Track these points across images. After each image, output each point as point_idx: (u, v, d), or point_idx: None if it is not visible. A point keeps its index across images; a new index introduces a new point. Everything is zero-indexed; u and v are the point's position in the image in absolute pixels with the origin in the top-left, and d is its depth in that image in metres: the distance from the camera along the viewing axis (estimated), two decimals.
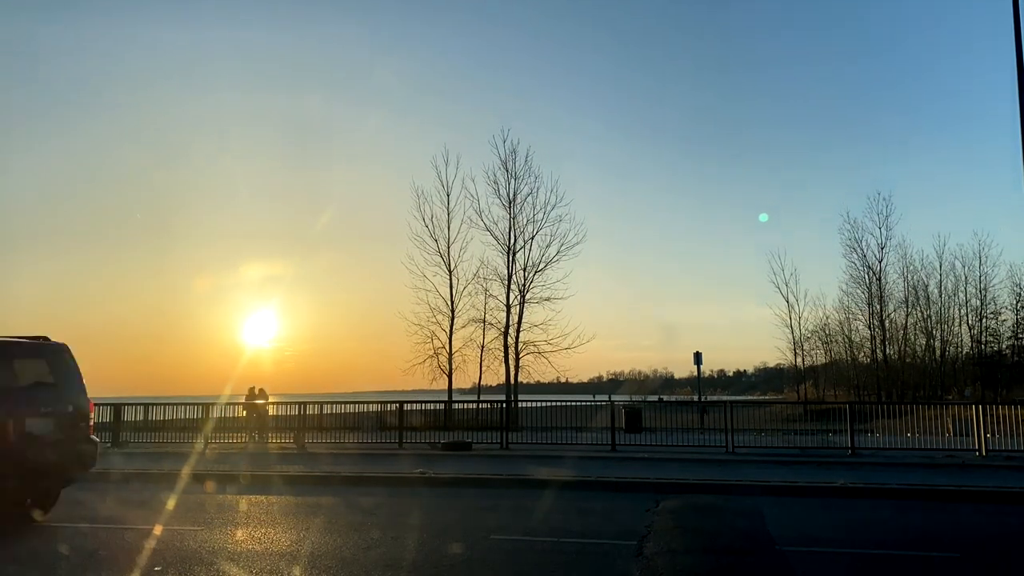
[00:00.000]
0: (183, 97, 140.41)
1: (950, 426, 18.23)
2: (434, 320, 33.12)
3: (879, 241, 52.02)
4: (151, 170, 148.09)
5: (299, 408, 20.03)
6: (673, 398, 66.56)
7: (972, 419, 16.28)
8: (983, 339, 54.13)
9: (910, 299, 53.96)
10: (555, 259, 32.95)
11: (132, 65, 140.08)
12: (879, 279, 52.15)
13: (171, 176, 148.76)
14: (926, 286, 54.53)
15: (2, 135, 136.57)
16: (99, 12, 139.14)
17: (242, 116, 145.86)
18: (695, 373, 36.35)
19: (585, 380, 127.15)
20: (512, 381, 32.73)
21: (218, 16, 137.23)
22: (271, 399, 21.68)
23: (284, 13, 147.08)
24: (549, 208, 33.25)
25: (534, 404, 23.32)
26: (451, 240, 33.43)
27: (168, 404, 22.39)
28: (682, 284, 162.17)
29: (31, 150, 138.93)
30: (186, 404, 21.19)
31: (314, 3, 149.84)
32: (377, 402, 21.38)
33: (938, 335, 55.46)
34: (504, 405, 21.65)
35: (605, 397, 34.32)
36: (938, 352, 55.80)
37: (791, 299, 54.76)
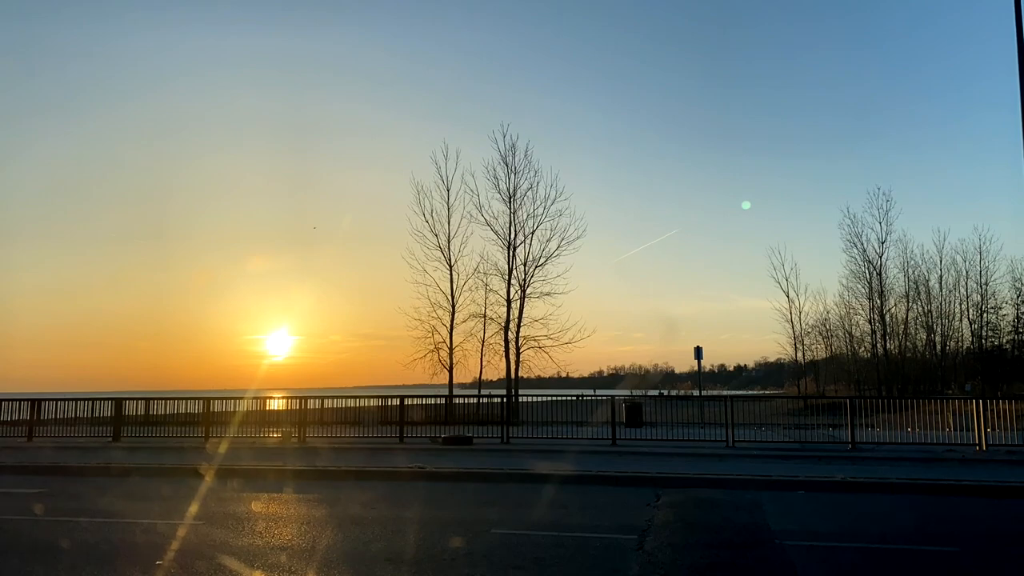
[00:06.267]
0: (185, 96, 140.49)
1: (950, 421, 18.23)
2: (435, 315, 33.14)
3: (879, 236, 52.04)
4: (154, 168, 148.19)
5: (300, 402, 20.04)
6: (675, 392, 66.69)
7: (972, 414, 16.27)
8: (983, 334, 54.17)
9: (911, 294, 53.99)
10: (555, 254, 32.92)
11: (137, 67, 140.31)
12: (879, 274, 52.17)
13: (171, 174, 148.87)
14: (927, 281, 54.59)
15: (13, 132, 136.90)
16: (102, 15, 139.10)
17: (244, 115, 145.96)
18: (695, 368, 36.31)
19: (586, 375, 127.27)
20: (513, 376, 32.73)
21: (219, 18, 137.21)
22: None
23: (284, 13, 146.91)
24: (549, 203, 33.20)
25: (535, 399, 23.32)
26: (451, 235, 33.43)
27: (169, 399, 22.44)
28: (682, 278, 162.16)
29: (40, 147, 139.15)
30: (187, 399, 21.22)
31: (315, 2, 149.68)
32: (378, 397, 21.38)
33: (939, 330, 55.54)
34: (505, 400, 21.65)
35: (606, 393, 34.35)
36: (939, 347, 55.86)
37: (791, 294, 54.88)
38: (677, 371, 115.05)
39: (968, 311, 54.88)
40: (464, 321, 33.47)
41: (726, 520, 8.89)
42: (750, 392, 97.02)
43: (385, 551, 7.09)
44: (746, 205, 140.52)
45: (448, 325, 32.99)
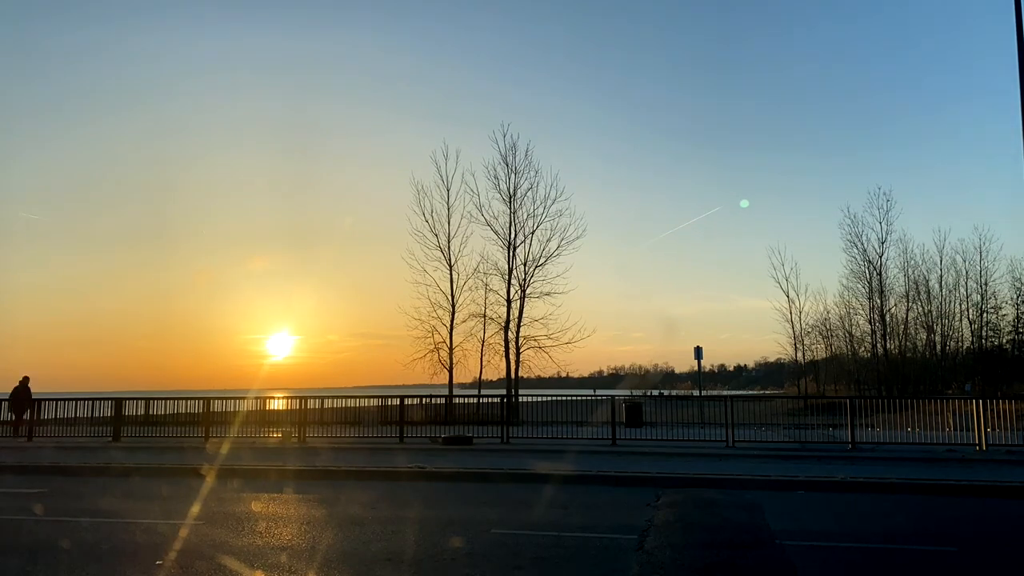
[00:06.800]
0: (185, 97, 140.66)
1: (950, 421, 18.22)
2: (435, 315, 33.16)
3: (879, 236, 52.05)
4: (154, 168, 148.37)
5: (300, 402, 20.04)
6: (674, 392, 66.72)
7: (972, 414, 16.28)
8: (983, 334, 54.15)
9: (911, 294, 53.97)
10: (555, 254, 32.97)
11: (137, 68, 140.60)
12: (879, 273, 52.16)
13: (171, 174, 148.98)
14: (927, 280, 54.57)
15: (15, 133, 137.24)
16: (102, 18, 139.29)
17: (244, 115, 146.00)
18: (695, 367, 36.35)
19: (585, 375, 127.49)
20: (513, 376, 32.75)
21: (219, 19, 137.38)
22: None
23: (284, 13, 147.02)
24: (549, 203, 33.26)
25: (535, 399, 23.32)
26: (451, 235, 33.47)
27: (169, 399, 22.45)
28: (682, 278, 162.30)
29: (41, 147, 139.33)
30: (187, 399, 21.22)
31: (314, 2, 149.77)
32: (378, 397, 21.38)
33: (939, 329, 55.50)
34: (505, 400, 21.66)
35: (606, 393, 34.31)
36: (939, 347, 55.81)
37: (791, 294, 54.84)
38: (677, 371, 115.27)
39: (968, 311, 54.92)
40: (464, 321, 33.52)
41: (726, 520, 8.90)
42: (750, 392, 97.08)
43: (385, 551, 7.09)
44: (744, 203, 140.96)
45: (448, 325, 33.03)
